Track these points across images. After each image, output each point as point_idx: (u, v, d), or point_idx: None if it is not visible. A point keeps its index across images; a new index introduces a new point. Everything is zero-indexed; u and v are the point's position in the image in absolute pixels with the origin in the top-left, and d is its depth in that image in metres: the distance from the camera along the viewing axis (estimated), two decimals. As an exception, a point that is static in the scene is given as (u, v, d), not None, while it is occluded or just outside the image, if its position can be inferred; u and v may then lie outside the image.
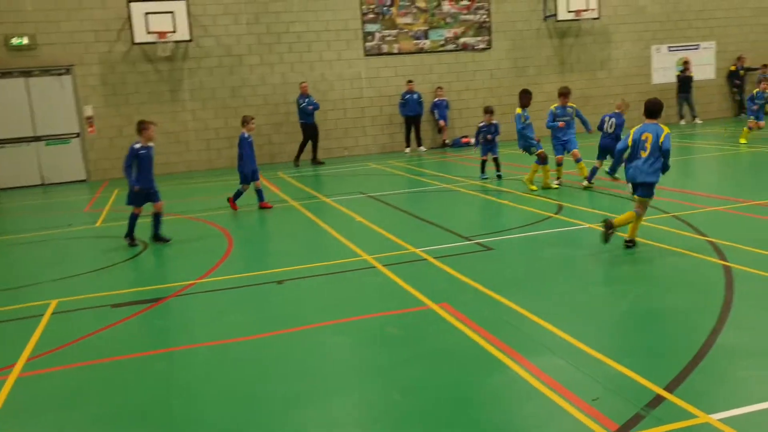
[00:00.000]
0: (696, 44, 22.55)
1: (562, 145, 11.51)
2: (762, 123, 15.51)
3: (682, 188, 10.96)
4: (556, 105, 11.54)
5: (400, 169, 15.81)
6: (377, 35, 19.38)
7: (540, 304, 5.81)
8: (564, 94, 11.43)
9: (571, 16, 20.29)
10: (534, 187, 11.27)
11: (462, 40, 20.19)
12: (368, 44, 19.35)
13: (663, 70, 22.40)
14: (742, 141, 15.59)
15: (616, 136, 11.05)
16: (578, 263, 7.18)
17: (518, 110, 11.73)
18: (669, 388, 4.12)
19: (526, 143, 11.72)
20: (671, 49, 22.35)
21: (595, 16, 20.53)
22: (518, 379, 4.43)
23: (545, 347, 4.89)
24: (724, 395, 4.09)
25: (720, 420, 3.73)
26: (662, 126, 7.23)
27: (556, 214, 9.48)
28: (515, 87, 16.90)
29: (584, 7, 20.25)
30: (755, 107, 15.64)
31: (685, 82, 21.91)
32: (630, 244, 7.39)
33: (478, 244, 8.10)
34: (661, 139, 7.09)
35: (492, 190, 11.86)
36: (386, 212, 10.67)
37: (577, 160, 11.46)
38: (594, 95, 21.62)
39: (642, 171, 7.20)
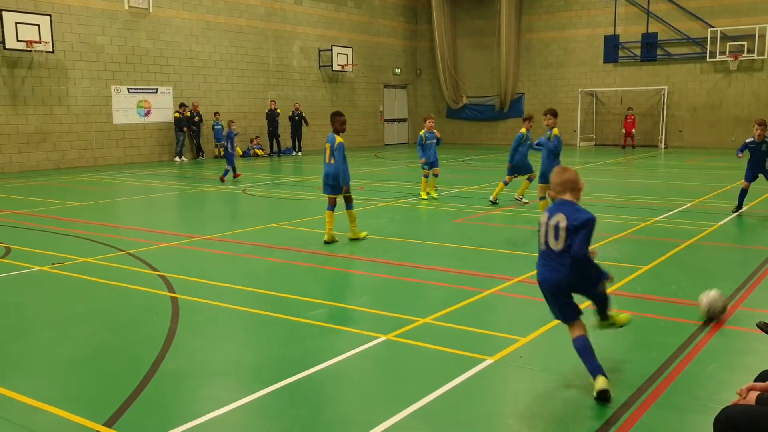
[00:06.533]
0: (155, 88, 23.66)
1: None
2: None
3: (139, 226, 11.31)
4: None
5: None
6: None
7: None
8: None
9: (22, 45, 19.07)
10: None
11: None
12: None
13: (124, 111, 22.84)
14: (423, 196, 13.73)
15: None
16: (22, 309, 6.72)
17: None
18: (109, 423, 4.15)
19: None
20: (131, 90, 22.96)
21: (49, 49, 19.75)
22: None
23: (-25, 405, 4.41)
24: (164, 418, 4.30)
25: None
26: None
27: (2, 258, 8.71)
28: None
29: (36, 39, 19.27)
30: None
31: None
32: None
33: None
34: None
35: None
36: None
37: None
38: (53, 131, 20.77)
39: None
